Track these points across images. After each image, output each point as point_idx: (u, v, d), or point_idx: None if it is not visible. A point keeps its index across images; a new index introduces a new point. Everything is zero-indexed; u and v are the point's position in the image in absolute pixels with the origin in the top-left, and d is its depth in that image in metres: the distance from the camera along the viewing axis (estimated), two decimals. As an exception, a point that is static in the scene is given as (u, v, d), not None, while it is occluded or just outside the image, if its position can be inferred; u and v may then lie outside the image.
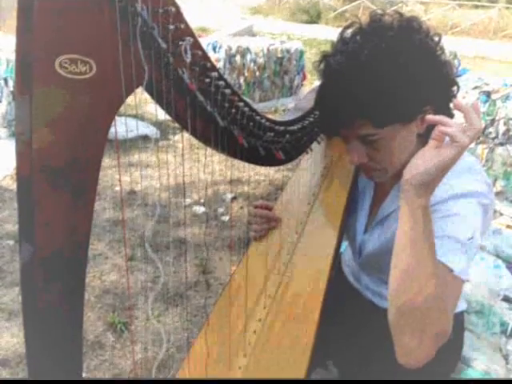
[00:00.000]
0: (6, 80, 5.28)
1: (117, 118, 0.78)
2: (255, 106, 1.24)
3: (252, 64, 7.11)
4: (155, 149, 5.16)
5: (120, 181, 2.35)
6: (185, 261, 3.55)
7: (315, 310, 1.27)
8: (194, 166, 4.43)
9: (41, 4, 0.66)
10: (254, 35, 11.19)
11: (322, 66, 1.28)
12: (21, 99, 0.69)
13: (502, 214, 4.13)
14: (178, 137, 5.58)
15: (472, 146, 4.11)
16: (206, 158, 3.91)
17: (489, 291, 2.33)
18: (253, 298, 1.33)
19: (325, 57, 1.27)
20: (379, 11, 1.26)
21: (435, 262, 1.04)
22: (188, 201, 4.33)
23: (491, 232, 3.08)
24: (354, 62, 1.18)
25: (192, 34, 0.88)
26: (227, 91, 1.02)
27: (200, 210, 4.22)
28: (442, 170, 0.99)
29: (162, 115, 1.01)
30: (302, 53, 7.78)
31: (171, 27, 0.82)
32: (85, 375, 2.44)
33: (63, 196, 0.74)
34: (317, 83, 1.41)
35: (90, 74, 0.71)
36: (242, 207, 4.30)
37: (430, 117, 1.03)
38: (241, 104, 1.09)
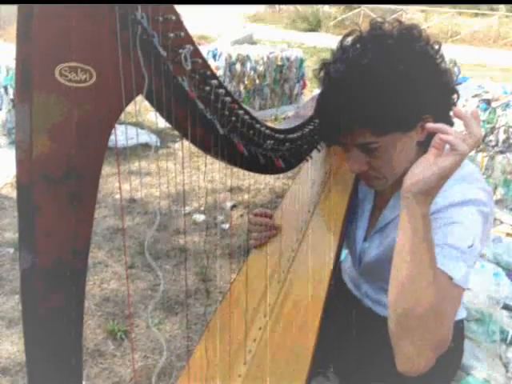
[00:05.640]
0: (6, 88, 5.30)
1: (117, 125, 0.78)
2: (255, 113, 1.24)
3: (252, 72, 7.12)
4: (155, 157, 5.16)
5: (120, 189, 2.35)
6: (185, 269, 3.55)
7: (315, 318, 1.27)
8: (194, 174, 4.43)
9: (41, 12, 0.66)
10: (254, 43, 11.22)
11: (321, 73, 1.28)
12: (21, 107, 0.69)
13: (501, 222, 4.14)
14: (178, 145, 5.59)
15: (472, 153, 4.11)
16: (205, 166, 3.92)
17: (489, 299, 2.33)
18: (253, 306, 1.32)
19: (325, 65, 1.27)
20: (379, 19, 1.27)
21: (435, 270, 1.04)
22: (188, 209, 4.33)
23: (491, 240, 3.08)
24: (354, 69, 1.18)
25: (192, 42, 0.88)
26: (227, 99, 1.02)
27: (200, 217, 4.22)
28: (442, 178, 0.98)
29: (162, 123, 1.01)
30: (301, 61, 7.80)
31: (171, 35, 0.82)
32: (85, 383, 2.44)
33: (63, 204, 0.74)
34: (317, 91, 1.41)
35: (90, 82, 0.71)
36: (241, 215, 4.30)
37: (430, 125, 1.03)
38: (241, 112, 1.08)
